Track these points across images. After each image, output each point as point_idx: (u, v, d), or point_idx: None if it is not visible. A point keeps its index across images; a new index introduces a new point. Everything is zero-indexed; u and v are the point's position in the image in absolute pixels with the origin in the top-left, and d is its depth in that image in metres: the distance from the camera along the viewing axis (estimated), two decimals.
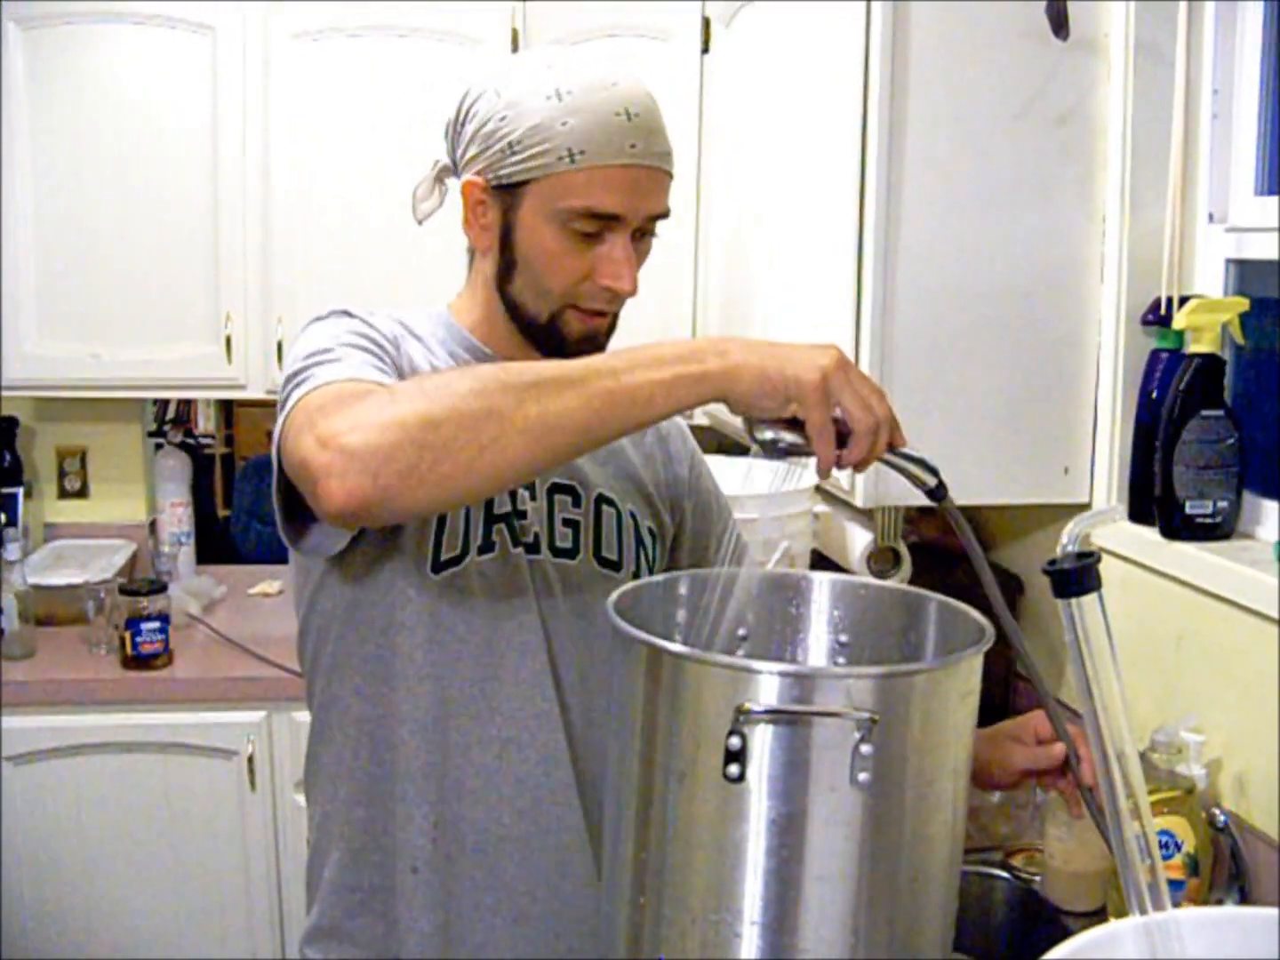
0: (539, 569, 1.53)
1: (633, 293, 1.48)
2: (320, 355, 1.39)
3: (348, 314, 1.51)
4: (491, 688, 1.52)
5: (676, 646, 1.18)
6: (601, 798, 1.51)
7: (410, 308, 1.61)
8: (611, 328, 1.54)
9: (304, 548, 1.47)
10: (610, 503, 1.59)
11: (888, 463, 1.29)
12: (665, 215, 1.51)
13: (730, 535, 1.73)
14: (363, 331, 1.46)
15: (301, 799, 2.14)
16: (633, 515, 1.61)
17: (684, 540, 1.71)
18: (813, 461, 1.26)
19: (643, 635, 1.17)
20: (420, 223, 1.61)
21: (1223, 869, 1.78)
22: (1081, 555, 1.01)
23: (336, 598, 1.55)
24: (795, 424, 1.24)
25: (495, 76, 1.49)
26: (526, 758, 1.53)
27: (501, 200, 1.49)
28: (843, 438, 1.24)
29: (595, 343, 1.52)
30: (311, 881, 1.64)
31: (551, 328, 1.51)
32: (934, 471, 1.30)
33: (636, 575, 1.58)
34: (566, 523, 1.55)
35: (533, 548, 1.53)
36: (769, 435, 1.25)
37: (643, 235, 1.50)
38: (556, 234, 1.46)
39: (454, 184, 1.57)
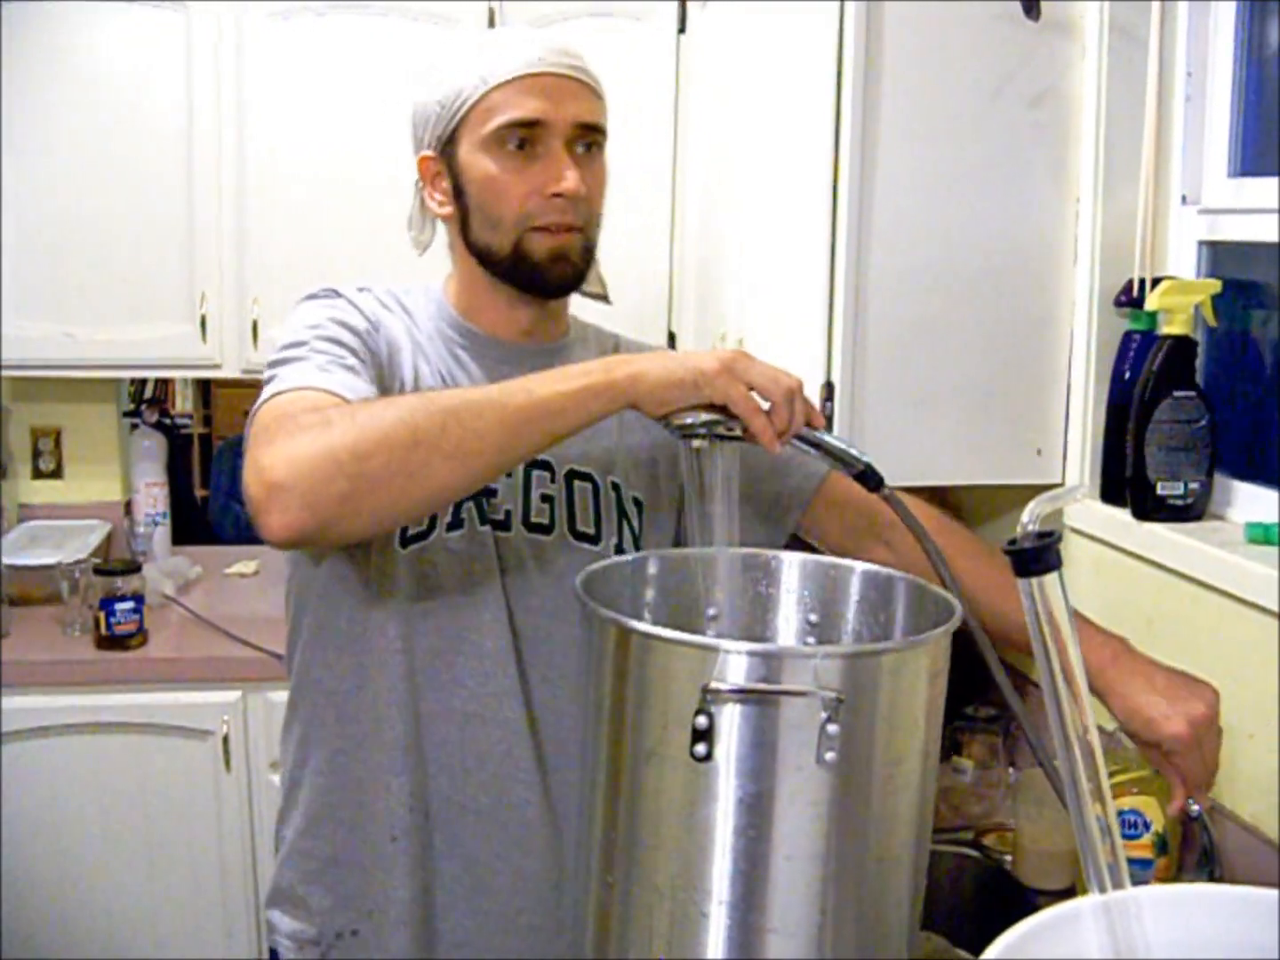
0: (508, 545, 1.55)
1: (579, 192, 1.52)
2: (294, 349, 1.44)
3: (335, 293, 1.56)
4: (456, 661, 1.55)
5: (644, 625, 1.18)
6: (565, 775, 1.54)
7: (412, 284, 1.66)
8: (586, 250, 1.57)
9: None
10: (584, 476, 1.60)
11: (810, 443, 1.33)
12: (598, 128, 1.56)
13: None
14: (340, 319, 1.50)
15: (276, 778, 2.14)
16: (615, 486, 1.62)
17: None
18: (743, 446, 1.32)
19: (610, 614, 1.18)
20: (421, 254, 1.67)
21: (1193, 850, 1.78)
22: (1042, 535, 1.01)
23: (313, 571, 1.58)
24: (711, 410, 1.29)
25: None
26: (489, 733, 1.55)
27: (446, 159, 1.56)
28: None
29: (568, 261, 1.56)
30: (278, 839, 1.68)
31: (517, 256, 1.54)
32: (857, 458, 1.34)
33: (619, 547, 1.61)
34: (544, 498, 1.58)
35: (503, 524, 1.55)
36: (688, 419, 1.30)
37: (587, 149, 1.54)
38: (492, 159, 1.52)
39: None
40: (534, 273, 1.55)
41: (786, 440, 1.32)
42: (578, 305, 1.69)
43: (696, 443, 1.31)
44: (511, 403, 1.28)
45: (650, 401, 1.29)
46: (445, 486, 1.29)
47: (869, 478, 1.36)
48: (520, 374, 1.55)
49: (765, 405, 1.30)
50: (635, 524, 1.64)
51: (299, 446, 1.25)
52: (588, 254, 1.58)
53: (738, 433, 1.30)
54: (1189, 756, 1.48)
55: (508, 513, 1.55)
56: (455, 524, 1.53)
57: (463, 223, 1.58)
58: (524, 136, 1.51)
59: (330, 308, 1.52)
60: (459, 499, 1.50)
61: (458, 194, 1.57)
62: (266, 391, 1.38)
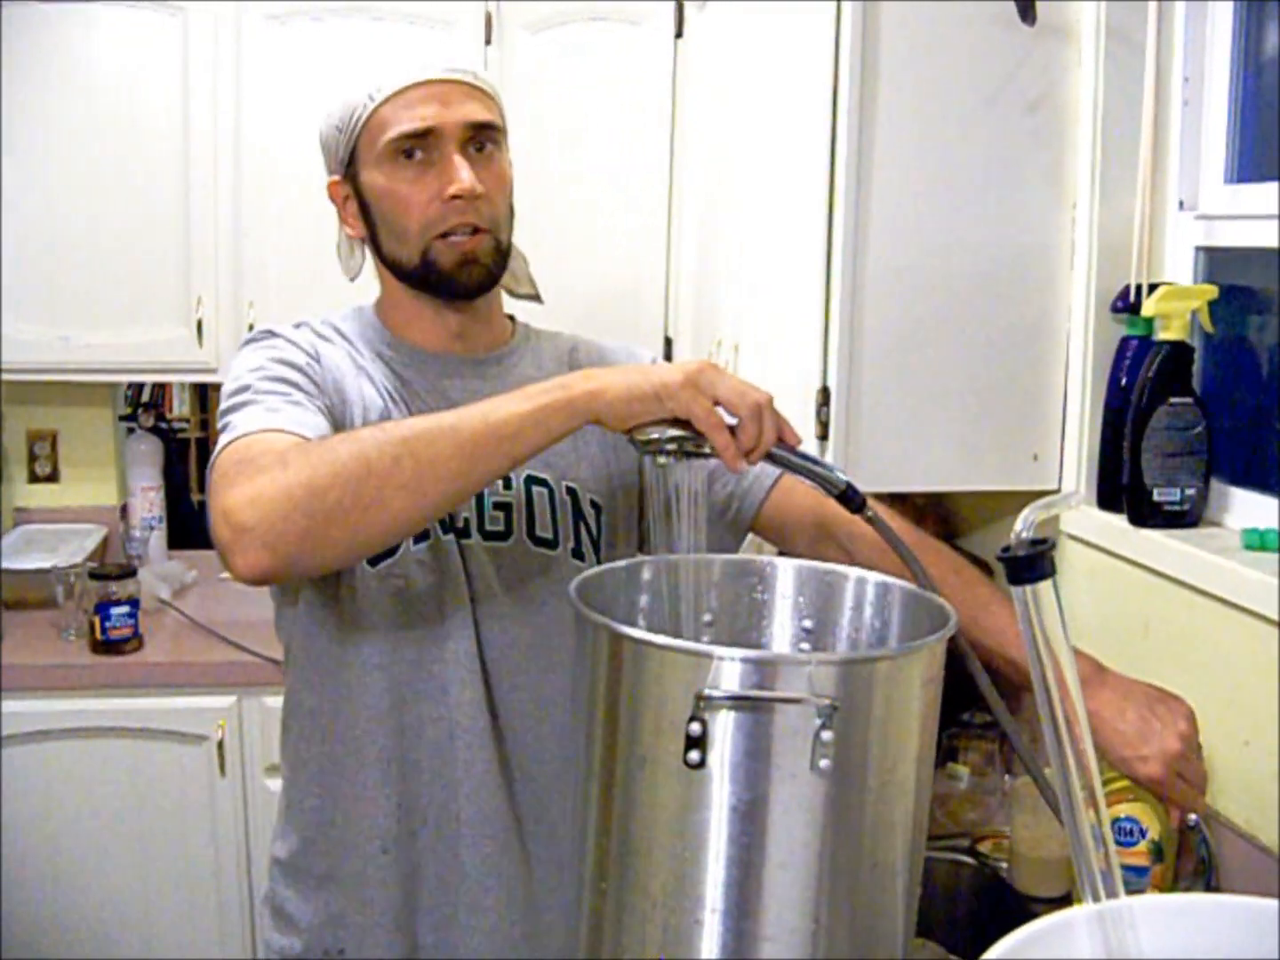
0: (471, 553, 1.56)
1: (475, 190, 1.52)
2: (241, 395, 1.45)
3: (271, 334, 1.57)
4: (437, 669, 1.56)
5: (637, 631, 1.17)
6: (531, 784, 1.56)
7: (346, 309, 1.68)
8: (497, 251, 1.57)
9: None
10: (541, 482, 1.61)
11: (785, 462, 1.31)
12: (492, 125, 1.56)
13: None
14: (282, 358, 1.52)
15: (271, 783, 2.14)
16: (571, 491, 1.62)
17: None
18: (710, 462, 1.31)
19: (604, 620, 1.17)
20: (352, 280, 1.69)
21: (1190, 858, 1.78)
22: (1035, 542, 1.01)
23: (294, 596, 1.60)
24: (677, 424, 1.27)
25: None
26: (469, 742, 1.56)
27: (351, 180, 1.58)
28: (731, 431, 1.27)
29: (478, 264, 1.56)
30: (273, 855, 1.69)
31: (426, 266, 1.56)
32: (837, 478, 1.32)
33: (577, 551, 1.62)
34: (498, 505, 1.58)
35: (463, 533, 1.56)
36: (653, 434, 1.28)
37: (481, 148, 1.55)
38: (388, 172, 1.54)
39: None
40: (444, 281, 1.57)
41: (757, 458, 1.30)
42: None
43: (661, 459, 1.29)
44: (466, 428, 1.28)
45: (612, 416, 1.28)
46: (402, 518, 1.30)
47: (850, 498, 1.34)
48: (464, 385, 1.57)
49: (732, 421, 1.28)
50: (593, 527, 1.64)
51: (258, 487, 1.27)
52: (499, 254, 1.58)
53: (705, 450, 1.28)
54: (1170, 791, 1.46)
55: (466, 520, 1.57)
56: (421, 536, 1.54)
57: (374, 241, 1.60)
58: (415, 146, 1.52)
59: (269, 349, 1.54)
60: (421, 528, 1.51)
61: (365, 213, 1.59)
62: (222, 440, 1.40)
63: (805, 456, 1.34)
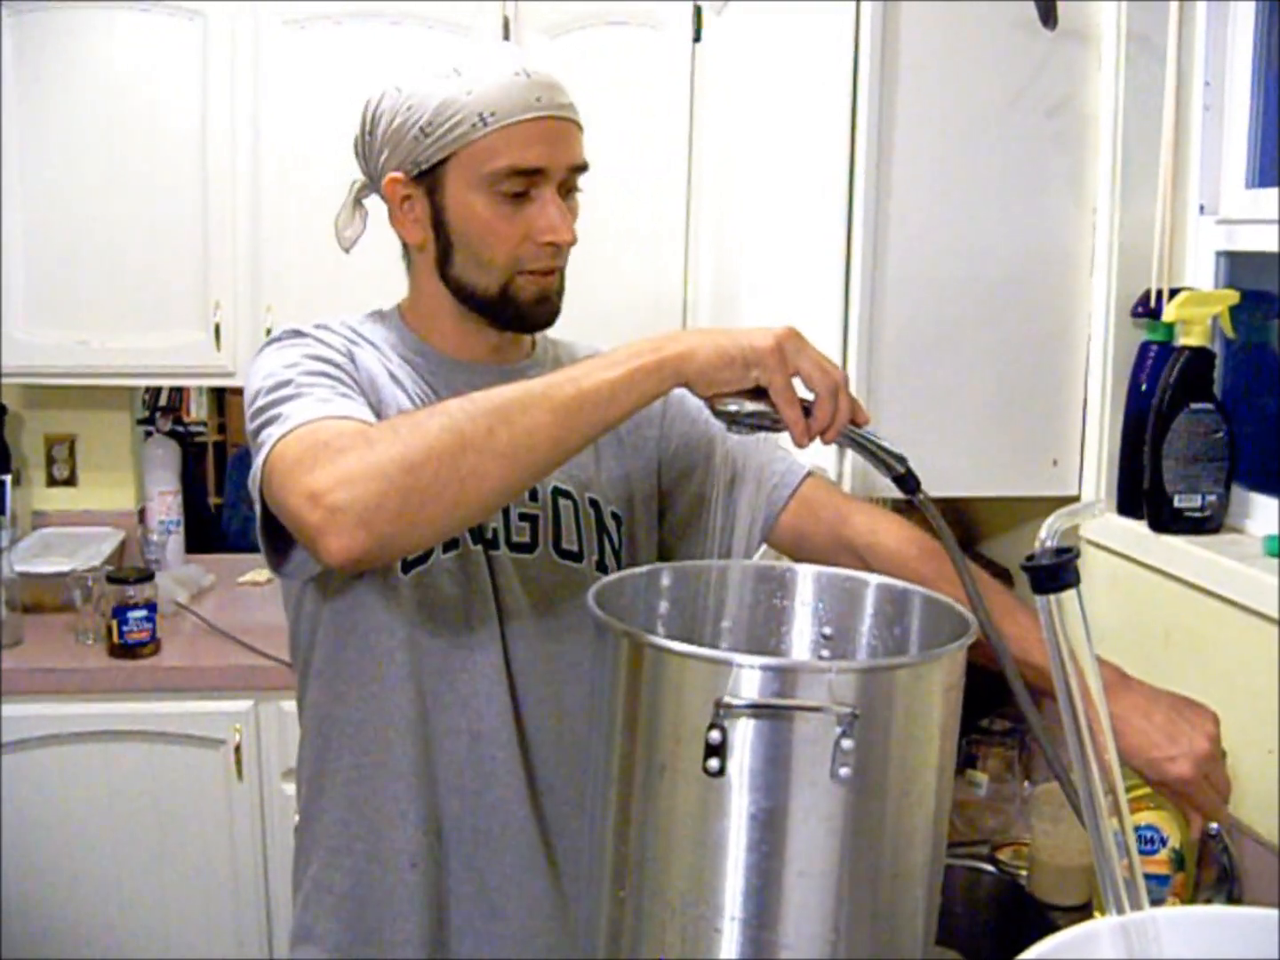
0: (498, 564, 1.56)
1: (572, 242, 1.52)
2: (284, 389, 1.40)
3: (299, 333, 1.53)
4: (461, 680, 1.55)
5: (657, 638, 1.17)
6: (556, 795, 1.54)
7: (365, 312, 1.65)
8: (561, 287, 1.57)
9: (287, 571, 1.51)
10: (566, 495, 1.60)
11: (853, 440, 1.31)
12: (584, 168, 1.55)
13: (730, 454, 1.66)
14: (317, 354, 1.48)
15: (288, 788, 2.15)
16: (593, 503, 1.62)
17: (687, 487, 1.70)
18: (783, 437, 1.30)
19: (623, 626, 1.17)
20: (347, 251, 1.66)
21: (1211, 867, 1.76)
22: (1060, 550, 1.00)
23: (319, 606, 1.58)
24: (757, 396, 1.27)
25: (392, 79, 1.54)
26: (493, 754, 1.55)
27: (425, 187, 1.52)
28: (806, 410, 1.28)
29: (549, 304, 1.56)
30: (296, 880, 1.66)
31: (504, 298, 1.54)
32: (901, 459, 1.32)
33: (600, 564, 1.61)
34: (523, 517, 1.57)
35: (491, 544, 1.55)
36: (732, 407, 1.28)
37: (569, 192, 1.54)
38: (486, 201, 1.49)
39: (374, 202, 1.62)
40: (519, 315, 1.55)
41: (832, 438, 1.29)
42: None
43: (734, 429, 1.29)
44: (559, 395, 1.25)
45: (701, 381, 1.26)
46: (498, 488, 1.26)
47: (908, 481, 1.34)
48: None
49: (808, 395, 1.27)
50: (615, 539, 1.64)
51: (345, 467, 1.23)
52: (563, 289, 1.58)
53: (782, 428, 1.28)
54: (1199, 794, 1.45)
55: (495, 531, 1.56)
56: (452, 545, 1.53)
57: (440, 255, 1.55)
58: (523, 186, 1.49)
59: (302, 346, 1.50)
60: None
61: (436, 225, 1.54)
62: (274, 431, 1.34)
63: (875, 437, 1.34)
